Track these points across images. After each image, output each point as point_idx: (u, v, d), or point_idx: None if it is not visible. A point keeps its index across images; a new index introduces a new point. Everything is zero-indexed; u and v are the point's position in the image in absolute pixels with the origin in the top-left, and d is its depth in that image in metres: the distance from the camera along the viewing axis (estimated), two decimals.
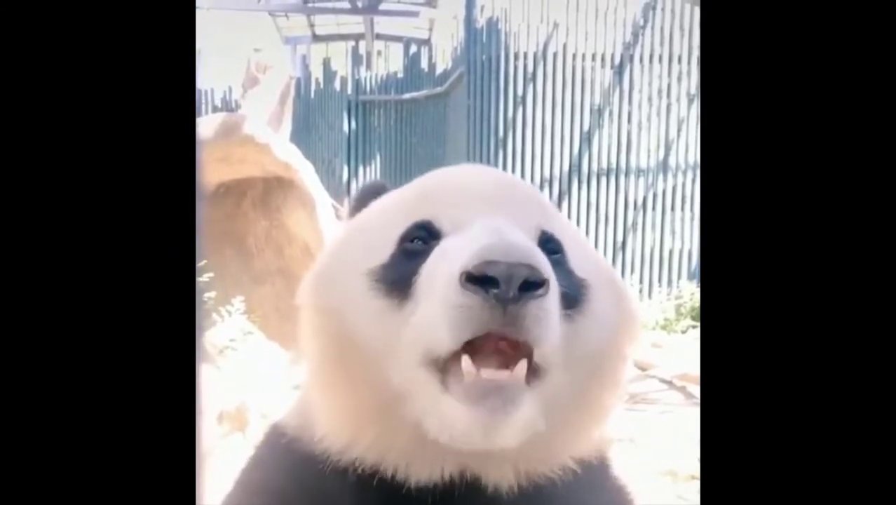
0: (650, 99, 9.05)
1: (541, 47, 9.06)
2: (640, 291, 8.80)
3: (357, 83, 11.82)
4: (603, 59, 9.04)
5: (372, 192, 0.92)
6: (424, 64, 11.60)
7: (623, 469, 0.86)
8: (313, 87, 12.03)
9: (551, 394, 0.70)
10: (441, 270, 0.69)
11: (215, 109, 11.60)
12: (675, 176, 9.02)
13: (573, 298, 0.75)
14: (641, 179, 9.06)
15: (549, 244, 0.78)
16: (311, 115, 11.86)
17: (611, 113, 9.06)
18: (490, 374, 0.65)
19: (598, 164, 9.05)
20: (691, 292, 8.35)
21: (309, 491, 0.77)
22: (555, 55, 9.04)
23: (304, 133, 11.29)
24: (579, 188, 9.07)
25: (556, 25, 9.07)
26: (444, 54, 11.47)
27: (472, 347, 0.66)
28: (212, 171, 4.47)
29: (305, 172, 4.71)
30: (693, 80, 8.92)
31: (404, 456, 0.73)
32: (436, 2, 12.88)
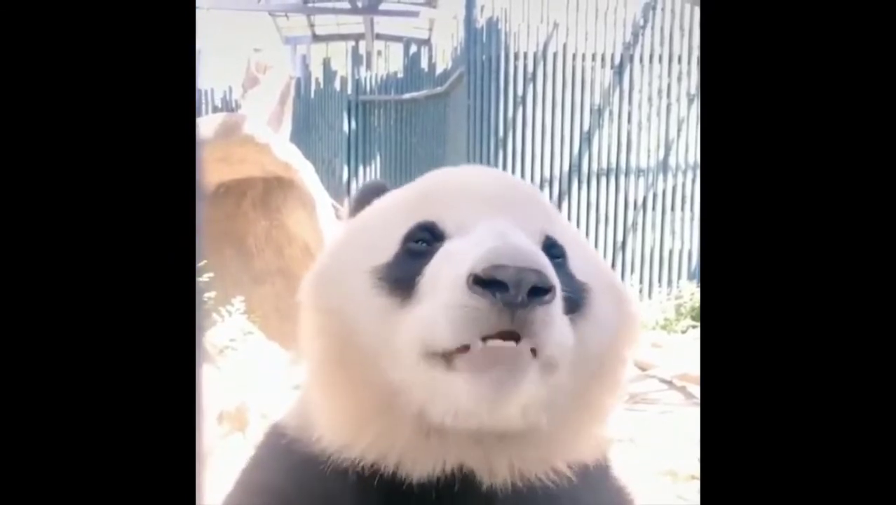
0: (650, 99, 9.04)
1: (541, 47, 9.06)
2: (640, 291, 8.80)
3: (357, 83, 11.81)
4: (603, 59, 9.04)
5: (372, 192, 0.92)
6: (424, 64, 11.60)
7: (623, 469, 0.86)
8: (313, 87, 12.03)
9: (552, 394, 0.70)
10: (446, 271, 0.69)
11: (215, 109, 11.60)
12: (675, 176, 9.02)
13: (575, 302, 0.75)
14: (641, 179, 9.05)
15: (553, 249, 0.79)
16: (311, 115, 11.86)
17: (611, 113, 9.06)
18: (496, 343, 0.65)
19: (598, 164, 9.05)
20: (691, 292, 8.35)
21: (309, 491, 0.77)
22: (555, 55, 9.04)
23: (304, 133, 11.29)
24: (579, 188, 9.07)
25: (556, 25, 9.07)
26: (444, 54, 11.47)
27: None
28: (212, 171, 4.47)
29: (305, 172, 4.71)
30: (693, 80, 8.92)
31: (404, 454, 0.73)
32: (436, 2, 12.88)
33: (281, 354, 4.36)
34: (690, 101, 8.96)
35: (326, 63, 12.10)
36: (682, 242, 9.02)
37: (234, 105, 11.28)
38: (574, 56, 9.05)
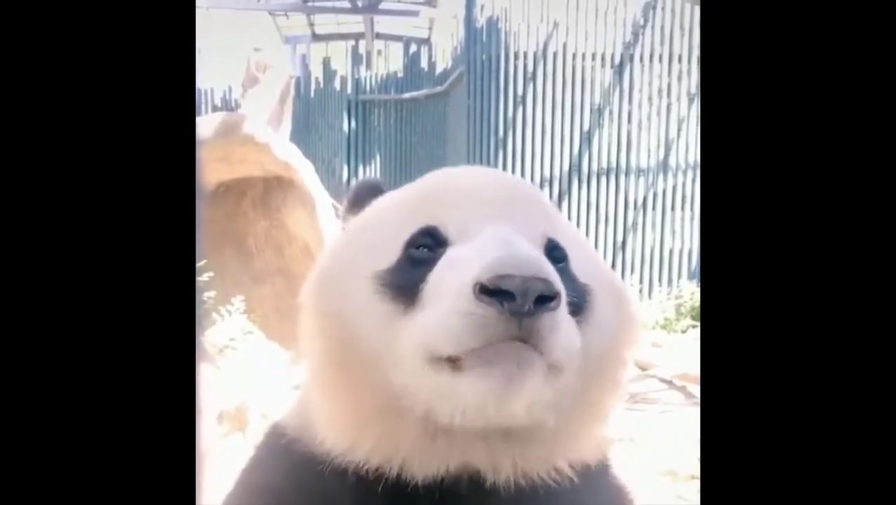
0: (650, 99, 9.04)
1: (541, 47, 9.05)
2: (640, 290, 8.80)
3: (357, 83, 11.80)
4: (603, 58, 9.04)
5: (367, 191, 0.91)
6: (424, 63, 11.59)
7: (623, 469, 0.86)
8: (313, 86, 12.02)
9: (557, 395, 0.70)
10: (450, 279, 0.69)
11: (215, 109, 11.59)
12: (675, 176, 9.01)
13: (577, 305, 0.75)
14: (641, 179, 9.05)
15: (555, 252, 0.79)
16: (311, 114, 11.85)
17: (611, 113, 9.05)
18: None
19: (598, 164, 9.05)
20: (691, 292, 8.35)
21: (309, 491, 0.77)
22: (555, 55, 9.03)
23: (304, 133, 11.28)
24: (579, 188, 9.07)
25: (556, 25, 9.07)
26: (443, 54, 11.46)
27: None
28: (212, 170, 4.46)
29: (305, 172, 4.71)
30: (693, 80, 8.92)
31: (409, 456, 0.73)
32: (436, 1, 12.87)
33: (281, 354, 4.36)
34: (690, 101, 8.96)
35: (326, 62, 12.09)
36: (682, 242, 9.02)
37: (233, 104, 11.27)
38: (574, 56, 9.05)
